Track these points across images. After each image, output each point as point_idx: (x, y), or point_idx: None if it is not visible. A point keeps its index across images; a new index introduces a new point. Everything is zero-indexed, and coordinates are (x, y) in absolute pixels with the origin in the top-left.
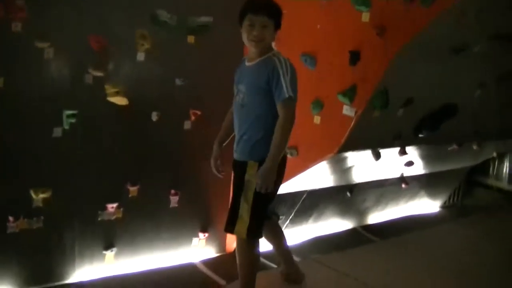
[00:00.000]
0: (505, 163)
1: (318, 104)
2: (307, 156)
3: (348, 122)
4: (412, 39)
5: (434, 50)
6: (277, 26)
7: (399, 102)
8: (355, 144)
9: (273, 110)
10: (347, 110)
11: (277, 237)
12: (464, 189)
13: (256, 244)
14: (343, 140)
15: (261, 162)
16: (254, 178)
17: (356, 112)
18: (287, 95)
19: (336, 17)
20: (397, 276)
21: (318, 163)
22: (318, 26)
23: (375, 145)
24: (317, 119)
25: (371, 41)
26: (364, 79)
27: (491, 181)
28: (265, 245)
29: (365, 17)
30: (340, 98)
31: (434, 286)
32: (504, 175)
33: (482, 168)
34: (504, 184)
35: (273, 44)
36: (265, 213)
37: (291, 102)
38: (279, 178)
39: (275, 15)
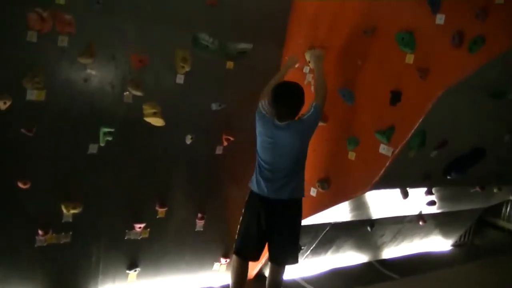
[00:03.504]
0: None
1: (354, 140)
2: (339, 191)
3: (384, 161)
4: (457, 83)
5: (474, 94)
6: None
7: (433, 143)
8: (388, 182)
9: None
10: (384, 149)
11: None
12: (476, 229)
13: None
14: (377, 178)
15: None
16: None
17: (393, 152)
18: None
19: (379, 55)
20: None
21: (350, 198)
22: (359, 62)
23: (406, 184)
24: (351, 155)
25: (413, 82)
26: (403, 119)
27: (502, 223)
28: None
29: (409, 58)
30: (378, 136)
31: None
32: None
33: (495, 210)
34: None
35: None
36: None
37: None
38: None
39: None
